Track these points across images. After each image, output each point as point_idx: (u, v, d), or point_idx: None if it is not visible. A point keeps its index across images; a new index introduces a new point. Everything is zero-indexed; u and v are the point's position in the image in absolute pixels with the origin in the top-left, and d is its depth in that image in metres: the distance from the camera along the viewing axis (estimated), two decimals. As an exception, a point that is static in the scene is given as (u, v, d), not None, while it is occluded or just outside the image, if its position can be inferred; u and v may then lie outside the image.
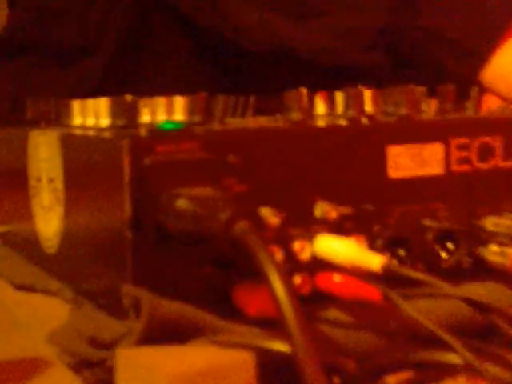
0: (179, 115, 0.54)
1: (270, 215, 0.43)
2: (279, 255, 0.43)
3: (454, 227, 0.48)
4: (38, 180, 0.57)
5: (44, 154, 0.55)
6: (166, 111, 0.54)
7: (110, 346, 0.39)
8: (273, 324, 0.38)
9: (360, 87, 0.56)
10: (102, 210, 0.46)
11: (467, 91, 0.58)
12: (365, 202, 0.47)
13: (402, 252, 0.46)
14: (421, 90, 0.56)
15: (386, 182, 0.47)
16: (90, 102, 0.55)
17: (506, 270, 0.46)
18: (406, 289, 0.41)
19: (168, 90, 0.56)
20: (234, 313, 0.42)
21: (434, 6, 0.78)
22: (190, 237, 0.41)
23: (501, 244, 0.46)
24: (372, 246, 0.45)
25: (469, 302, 0.40)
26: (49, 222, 0.55)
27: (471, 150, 0.50)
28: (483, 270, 0.47)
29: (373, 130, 0.49)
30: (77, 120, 0.57)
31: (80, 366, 0.40)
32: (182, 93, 0.54)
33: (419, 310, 0.38)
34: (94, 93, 0.58)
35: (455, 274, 0.47)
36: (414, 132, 0.49)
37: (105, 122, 0.53)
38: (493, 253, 0.47)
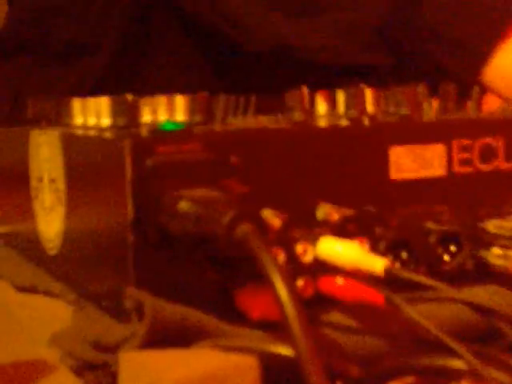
0: (180, 115, 0.54)
1: (272, 217, 0.43)
2: (282, 258, 0.43)
3: (456, 230, 0.47)
4: (40, 180, 0.57)
5: (45, 154, 0.55)
6: (166, 110, 0.54)
7: (113, 349, 0.39)
8: (276, 327, 0.38)
9: (361, 86, 0.56)
10: (104, 211, 0.46)
11: (468, 91, 0.58)
12: (367, 204, 0.47)
13: (404, 254, 0.46)
14: (422, 89, 0.56)
15: (388, 183, 0.47)
16: (91, 101, 0.55)
17: (508, 273, 0.46)
18: (408, 292, 0.41)
19: (169, 89, 0.56)
20: (236, 316, 0.42)
21: (434, 6, 0.78)
22: (192, 239, 0.41)
23: (504, 247, 0.46)
24: (374, 249, 0.45)
25: (471, 305, 0.40)
26: (50, 222, 0.55)
27: (473, 151, 0.50)
28: (486, 273, 0.47)
29: (375, 131, 0.48)
30: (78, 119, 0.57)
31: (83, 369, 0.40)
32: (182, 92, 0.54)
33: (422, 314, 0.38)
34: (95, 92, 0.58)
35: (458, 277, 0.47)
36: (416, 133, 0.49)
37: (106, 121, 0.53)
38: (495, 256, 0.46)
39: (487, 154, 0.50)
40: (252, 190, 0.44)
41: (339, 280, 0.42)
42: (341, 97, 0.56)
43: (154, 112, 0.54)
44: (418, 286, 0.41)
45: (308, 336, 0.32)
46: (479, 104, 0.59)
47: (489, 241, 0.47)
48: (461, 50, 0.76)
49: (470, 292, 0.44)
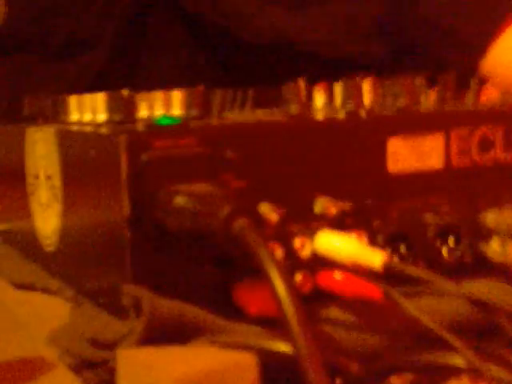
0: (177, 109, 0.54)
1: (269, 211, 0.43)
2: (279, 252, 0.43)
3: (455, 222, 0.47)
4: (36, 177, 0.57)
5: (41, 151, 0.55)
6: (163, 105, 0.54)
7: (111, 346, 0.39)
8: (274, 323, 0.38)
9: (358, 77, 0.55)
10: (100, 207, 0.46)
11: (467, 82, 0.58)
12: (365, 197, 0.46)
13: (402, 248, 0.46)
14: (420, 81, 0.56)
15: (386, 176, 0.47)
16: (87, 97, 0.55)
17: (507, 267, 0.45)
18: (407, 286, 0.40)
19: (166, 84, 0.55)
20: (234, 312, 0.41)
21: None
22: (188, 234, 0.41)
23: (502, 240, 0.46)
24: (373, 242, 0.45)
25: (470, 300, 0.39)
26: (47, 219, 0.54)
27: (471, 141, 0.49)
28: (484, 266, 0.47)
29: (372, 123, 0.48)
30: (74, 116, 0.56)
31: (81, 366, 0.40)
32: (179, 86, 0.54)
33: (420, 309, 0.37)
34: (93, 88, 0.58)
35: (456, 270, 0.46)
36: (414, 124, 0.49)
37: (102, 117, 0.53)
38: (494, 249, 0.46)
39: (485, 145, 0.50)
40: (249, 185, 0.44)
41: (337, 275, 0.42)
42: (338, 89, 0.56)
43: (151, 107, 0.53)
44: (416, 280, 0.41)
45: (306, 332, 0.31)
46: (477, 95, 0.58)
47: (487, 234, 0.47)
48: (459, 42, 0.76)
49: (469, 286, 0.44)
